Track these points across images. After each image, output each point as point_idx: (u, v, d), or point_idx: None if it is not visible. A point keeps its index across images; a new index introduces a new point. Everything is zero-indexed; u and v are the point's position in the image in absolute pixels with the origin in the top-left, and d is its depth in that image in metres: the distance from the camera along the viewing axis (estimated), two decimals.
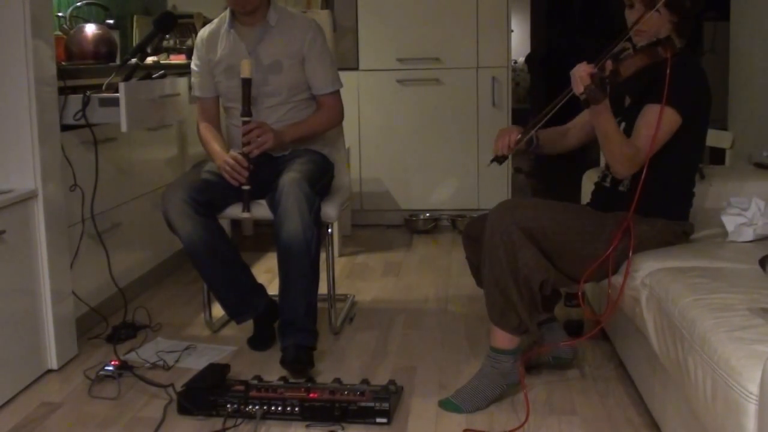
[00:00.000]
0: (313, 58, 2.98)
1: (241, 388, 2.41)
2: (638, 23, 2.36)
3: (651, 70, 2.30)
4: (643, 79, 2.34)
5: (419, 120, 4.90)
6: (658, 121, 2.30)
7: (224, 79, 2.99)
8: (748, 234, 2.44)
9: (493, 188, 4.84)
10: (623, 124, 2.49)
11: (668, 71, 2.25)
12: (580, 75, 2.23)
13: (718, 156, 3.58)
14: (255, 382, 2.46)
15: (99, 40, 3.43)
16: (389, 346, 2.97)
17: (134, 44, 4.08)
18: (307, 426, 2.31)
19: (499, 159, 2.51)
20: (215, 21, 3.07)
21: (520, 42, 10.29)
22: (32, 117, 2.57)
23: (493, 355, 2.43)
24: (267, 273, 3.83)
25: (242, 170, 2.81)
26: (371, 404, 2.31)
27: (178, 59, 4.07)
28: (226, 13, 3.00)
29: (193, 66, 3.09)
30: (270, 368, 2.69)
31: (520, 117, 5.03)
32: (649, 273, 2.20)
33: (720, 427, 1.60)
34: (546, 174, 7.28)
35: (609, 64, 2.24)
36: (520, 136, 2.48)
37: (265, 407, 2.34)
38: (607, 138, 2.33)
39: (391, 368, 2.75)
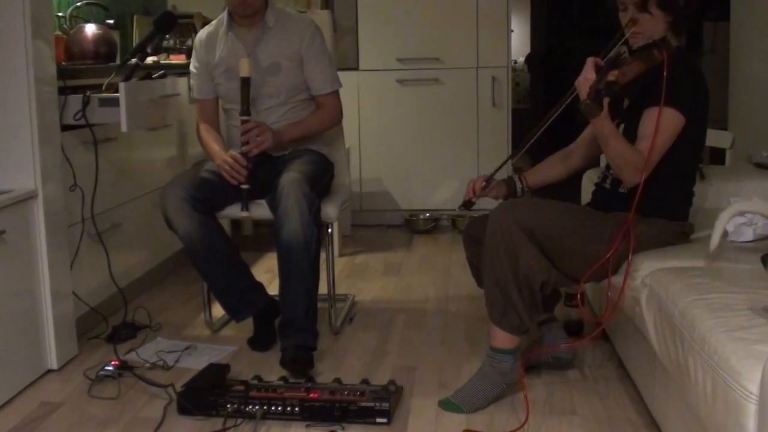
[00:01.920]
0: (311, 59, 2.98)
1: (241, 388, 2.41)
2: (631, 27, 2.36)
3: (649, 71, 2.30)
4: (641, 80, 2.34)
5: (419, 120, 4.90)
6: (656, 124, 2.30)
7: (224, 80, 3.00)
8: (748, 234, 2.44)
9: None
10: (622, 126, 2.49)
11: (665, 73, 2.25)
12: (581, 85, 2.24)
13: (718, 156, 3.58)
14: (255, 382, 2.46)
15: (99, 40, 3.43)
16: (389, 346, 2.97)
17: (134, 44, 4.07)
18: (307, 426, 2.31)
19: (466, 204, 2.66)
20: (213, 23, 3.07)
21: (520, 42, 10.28)
22: (32, 117, 2.57)
23: (493, 355, 2.43)
24: (267, 273, 3.83)
25: (241, 169, 2.81)
26: (371, 404, 2.31)
27: (178, 59, 4.07)
28: (224, 15, 3.00)
29: (192, 68, 3.09)
30: (270, 368, 2.69)
31: (520, 117, 5.03)
32: (649, 273, 2.20)
33: (720, 427, 1.60)
34: None
35: (609, 74, 2.24)
36: (485, 183, 2.63)
37: (265, 407, 2.34)
38: (611, 148, 2.33)
39: (391, 368, 2.75)
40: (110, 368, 2.66)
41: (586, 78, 2.25)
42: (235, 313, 2.96)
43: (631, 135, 2.41)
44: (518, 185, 2.70)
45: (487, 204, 2.72)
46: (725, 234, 2.48)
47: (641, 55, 2.31)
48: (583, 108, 2.25)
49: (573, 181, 3.28)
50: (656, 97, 2.30)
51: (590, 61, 2.28)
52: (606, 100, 2.27)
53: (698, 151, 2.55)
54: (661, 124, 2.30)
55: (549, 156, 2.78)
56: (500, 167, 2.64)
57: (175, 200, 2.76)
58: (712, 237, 2.21)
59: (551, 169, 2.75)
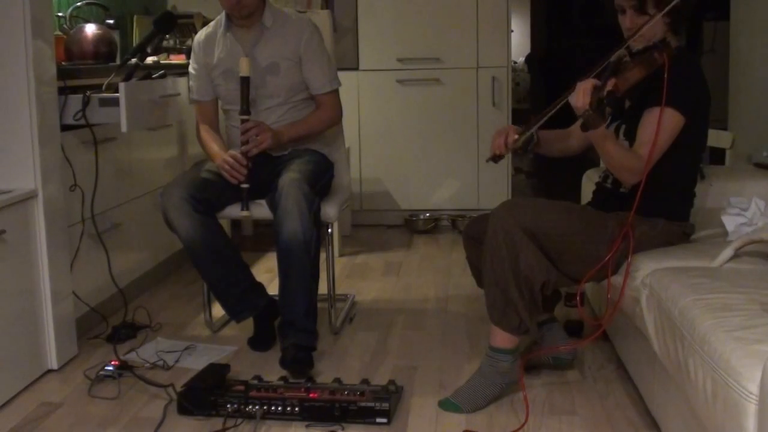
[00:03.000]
0: (309, 58, 2.98)
1: (241, 388, 2.41)
2: (635, 32, 2.35)
3: (650, 74, 2.30)
4: (642, 81, 2.33)
5: (419, 120, 4.90)
6: (658, 125, 2.30)
7: (223, 81, 3.00)
8: (747, 232, 2.44)
9: (493, 188, 4.84)
10: (623, 127, 2.49)
11: (666, 75, 2.25)
12: (584, 93, 2.23)
13: (718, 156, 3.58)
14: (255, 382, 2.46)
15: (99, 40, 3.43)
16: (389, 346, 2.97)
17: (134, 44, 4.08)
18: (307, 426, 2.31)
19: (495, 158, 2.53)
20: (211, 24, 3.07)
21: (520, 42, 10.29)
22: (32, 117, 2.57)
23: (492, 354, 2.43)
24: (267, 273, 3.83)
25: (241, 168, 2.81)
26: (371, 404, 2.31)
27: (178, 59, 4.07)
28: (222, 16, 3.00)
29: (190, 69, 3.09)
30: (270, 368, 2.69)
31: (520, 117, 5.03)
32: (649, 273, 2.20)
33: (720, 427, 1.60)
34: (546, 174, 7.29)
35: (609, 83, 2.23)
36: (517, 136, 2.49)
37: (265, 407, 2.34)
38: (608, 153, 2.34)
39: (391, 368, 2.75)
40: (110, 368, 2.66)
41: (585, 103, 2.23)
42: (235, 314, 2.96)
43: (632, 136, 2.41)
44: (534, 139, 2.55)
45: (487, 204, 2.71)
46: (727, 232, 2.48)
47: (642, 59, 2.30)
48: (585, 118, 2.23)
49: (573, 181, 3.29)
50: (657, 98, 2.30)
51: (587, 86, 2.25)
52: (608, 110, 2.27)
53: (700, 151, 2.55)
54: (661, 124, 2.30)
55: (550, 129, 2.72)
56: (532, 124, 2.48)
57: (175, 201, 2.76)
58: (721, 255, 2.21)
59: (552, 143, 2.69)
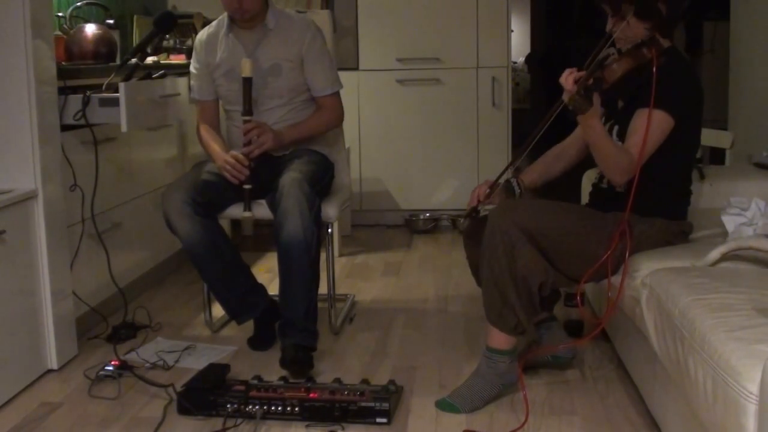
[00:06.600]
0: (312, 60, 2.98)
1: (241, 388, 2.41)
2: (613, 34, 2.36)
3: (641, 71, 2.29)
4: (633, 81, 2.33)
5: (419, 120, 4.90)
6: (647, 127, 2.30)
7: (224, 82, 2.99)
8: (748, 234, 2.44)
9: None
10: (616, 127, 2.49)
11: (654, 71, 2.25)
12: (566, 86, 2.24)
13: (718, 156, 3.58)
14: (255, 382, 2.46)
15: (99, 40, 3.43)
16: (389, 346, 2.97)
17: (134, 44, 4.07)
18: (307, 426, 2.31)
19: (471, 213, 2.59)
20: (214, 24, 3.07)
21: (520, 42, 10.29)
22: (32, 117, 2.57)
23: (489, 355, 2.43)
24: (267, 273, 3.83)
25: (243, 169, 2.81)
26: (371, 404, 2.31)
27: (178, 59, 4.07)
28: (225, 17, 3.00)
29: (192, 69, 3.08)
30: (270, 368, 2.69)
31: (520, 117, 5.04)
32: (649, 273, 2.20)
33: (720, 427, 1.60)
34: None
35: (597, 73, 2.24)
36: (489, 190, 2.57)
37: (265, 407, 2.34)
38: (598, 148, 2.34)
39: (391, 368, 2.75)
40: (110, 368, 2.67)
41: (571, 87, 2.25)
42: (236, 316, 2.96)
43: (625, 137, 2.41)
44: (516, 189, 2.64)
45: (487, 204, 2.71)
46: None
47: (630, 52, 2.31)
48: (572, 104, 2.24)
49: (573, 181, 3.29)
50: (647, 99, 2.29)
51: (573, 72, 2.27)
52: (598, 100, 2.27)
53: (694, 150, 2.55)
54: (650, 126, 2.30)
55: (543, 155, 2.76)
56: (502, 173, 2.62)
57: (176, 203, 2.76)
58: (708, 257, 2.21)
59: (548, 167, 2.72)
